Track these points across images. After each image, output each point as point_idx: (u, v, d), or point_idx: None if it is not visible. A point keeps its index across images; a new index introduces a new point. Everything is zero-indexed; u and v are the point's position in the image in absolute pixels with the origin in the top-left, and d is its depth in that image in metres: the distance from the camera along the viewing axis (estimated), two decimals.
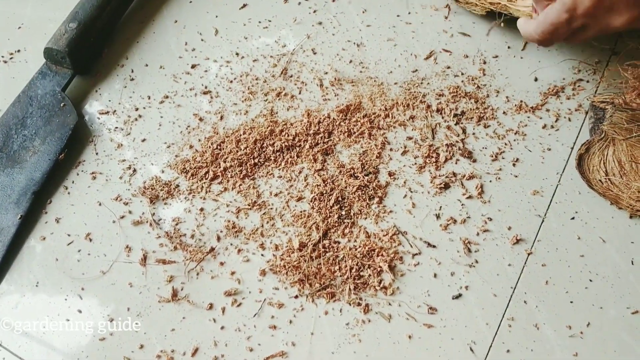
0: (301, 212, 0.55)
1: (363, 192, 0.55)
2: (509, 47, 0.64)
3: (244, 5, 0.69)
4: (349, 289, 0.51)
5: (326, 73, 0.63)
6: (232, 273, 0.52)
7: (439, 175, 0.56)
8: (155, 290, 0.52)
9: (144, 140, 0.60)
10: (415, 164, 0.57)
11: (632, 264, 0.51)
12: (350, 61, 0.64)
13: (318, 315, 0.50)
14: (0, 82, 0.64)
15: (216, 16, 0.68)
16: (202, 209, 0.55)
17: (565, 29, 0.49)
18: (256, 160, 0.57)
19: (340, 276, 0.52)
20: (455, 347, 0.49)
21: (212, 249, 0.53)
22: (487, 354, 0.48)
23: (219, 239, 0.54)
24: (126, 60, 0.65)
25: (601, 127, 0.54)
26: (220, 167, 0.57)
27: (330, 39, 0.66)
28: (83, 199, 0.57)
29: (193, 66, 0.64)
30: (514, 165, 0.57)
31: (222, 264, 0.53)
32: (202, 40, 0.66)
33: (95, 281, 0.52)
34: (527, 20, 0.53)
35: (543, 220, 0.54)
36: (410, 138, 0.58)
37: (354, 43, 0.65)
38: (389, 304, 0.50)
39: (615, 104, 0.54)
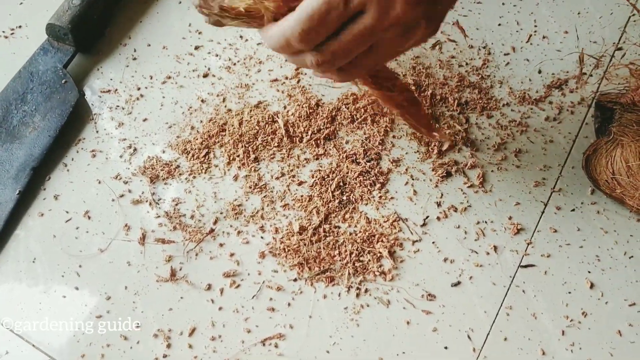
0: (302, 196, 0.55)
1: (365, 178, 0.55)
2: (514, 39, 0.63)
3: None
4: (349, 273, 0.51)
5: None
6: (232, 254, 0.52)
7: (441, 164, 0.56)
8: (153, 270, 0.51)
9: (145, 119, 0.59)
10: (418, 151, 0.57)
11: (631, 256, 0.52)
12: None
13: (317, 299, 0.50)
14: (0, 57, 0.63)
15: None
16: (202, 190, 0.55)
17: (337, 12, 0.36)
18: (258, 143, 0.57)
19: (340, 261, 0.51)
20: (453, 334, 0.49)
21: (212, 230, 0.53)
22: (485, 341, 0.49)
23: (218, 220, 0.54)
24: (129, 39, 0.64)
25: (609, 129, 0.53)
26: (221, 149, 0.57)
27: None
28: (82, 176, 0.56)
29: (196, 47, 0.64)
30: (516, 155, 0.57)
31: (221, 245, 0.53)
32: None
33: (93, 259, 0.52)
34: (272, 24, 0.38)
35: (543, 211, 0.54)
36: None
37: None
38: (388, 290, 0.50)
39: (623, 104, 0.53)
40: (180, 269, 0.52)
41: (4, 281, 0.51)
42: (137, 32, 0.65)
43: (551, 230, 0.53)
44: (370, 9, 0.36)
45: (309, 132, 0.57)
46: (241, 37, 0.64)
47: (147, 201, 0.55)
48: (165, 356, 0.48)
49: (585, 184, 0.55)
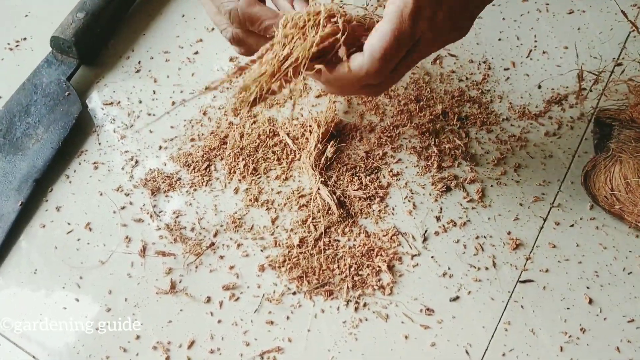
0: (301, 207, 0.55)
1: (364, 191, 0.55)
2: (514, 54, 0.64)
3: None
4: (347, 287, 0.51)
5: None
6: (231, 267, 0.52)
7: (441, 178, 0.56)
8: (153, 282, 0.52)
9: (147, 132, 0.60)
10: (418, 165, 0.57)
11: (630, 272, 0.52)
12: None
13: (315, 313, 0.50)
14: (5, 69, 0.64)
15: None
16: (203, 203, 0.55)
17: (406, 46, 0.40)
18: (259, 156, 0.58)
19: (339, 274, 0.52)
20: (451, 348, 0.49)
21: (212, 244, 0.53)
22: (483, 356, 0.49)
23: (218, 233, 0.54)
24: (132, 52, 0.65)
25: (608, 145, 0.53)
26: (222, 162, 0.57)
27: None
28: (84, 188, 0.57)
29: (199, 60, 0.64)
30: (515, 170, 0.57)
31: (221, 257, 0.53)
32: (209, 34, 0.66)
33: (93, 270, 0.52)
34: (342, 64, 0.41)
35: (542, 226, 0.54)
36: (413, 140, 0.58)
37: None
38: (387, 304, 0.51)
39: (622, 120, 0.54)
40: (180, 282, 0.52)
41: (4, 292, 0.52)
42: (140, 45, 0.66)
43: (550, 246, 0.53)
44: (427, 33, 0.40)
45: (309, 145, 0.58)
46: None
47: (148, 213, 0.55)
48: None
49: (584, 200, 0.55)
